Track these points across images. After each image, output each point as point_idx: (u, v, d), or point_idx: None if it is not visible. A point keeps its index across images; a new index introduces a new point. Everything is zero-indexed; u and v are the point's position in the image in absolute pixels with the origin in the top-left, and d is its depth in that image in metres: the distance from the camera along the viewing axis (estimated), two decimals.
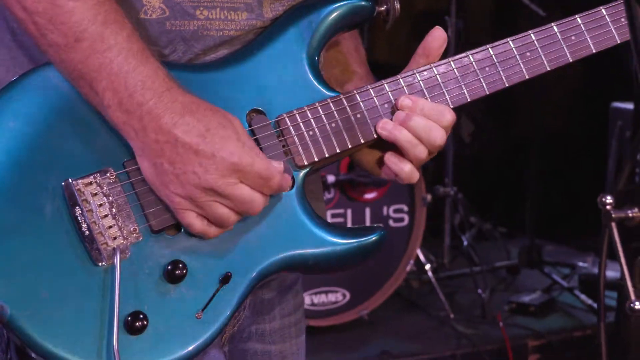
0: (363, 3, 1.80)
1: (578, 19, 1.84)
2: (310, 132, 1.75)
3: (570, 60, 1.84)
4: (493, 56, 1.81)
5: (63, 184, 1.64)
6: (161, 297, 1.66)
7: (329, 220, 4.26)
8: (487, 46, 1.81)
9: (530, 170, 5.69)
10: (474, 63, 1.81)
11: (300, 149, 1.75)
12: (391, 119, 1.77)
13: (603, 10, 1.85)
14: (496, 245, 5.88)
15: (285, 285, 1.95)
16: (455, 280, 5.49)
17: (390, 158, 1.79)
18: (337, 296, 4.75)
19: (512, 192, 6.40)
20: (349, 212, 4.80)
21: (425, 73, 1.80)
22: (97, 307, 1.62)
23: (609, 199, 2.15)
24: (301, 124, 1.75)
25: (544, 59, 1.82)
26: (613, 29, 1.84)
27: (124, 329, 1.63)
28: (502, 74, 1.81)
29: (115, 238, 1.64)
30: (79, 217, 1.64)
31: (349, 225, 4.71)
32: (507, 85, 1.82)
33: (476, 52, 1.81)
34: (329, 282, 4.72)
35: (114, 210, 1.65)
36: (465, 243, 5.61)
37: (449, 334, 4.84)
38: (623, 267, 2.14)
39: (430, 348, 4.71)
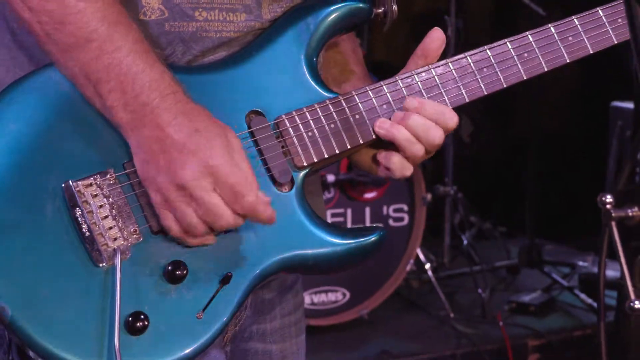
0: (361, 5, 1.81)
1: (575, 20, 1.85)
2: (309, 133, 1.76)
3: (568, 61, 1.84)
4: (491, 57, 1.82)
5: (63, 185, 1.64)
6: (162, 297, 1.66)
7: (329, 220, 4.26)
8: (485, 47, 1.82)
9: (529, 170, 5.69)
10: (471, 64, 1.82)
11: (299, 149, 1.75)
12: (390, 119, 1.78)
13: (600, 11, 1.85)
14: (496, 245, 5.88)
15: (285, 285, 1.96)
16: (455, 279, 5.48)
17: (379, 153, 1.80)
18: (337, 295, 4.76)
19: (512, 192, 6.40)
20: (349, 211, 4.80)
21: (423, 74, 1.81)
22: (98, 308, 1.63)
23: (608, 198, 2.15)
24: (300, 125, 1.76)
25: (541, 59, 1.83)
26: (610, 30, 1.85)
27: (125, 329, 1.63)
28: (500, 74, 1.82)
29: (115, 239, 1.65)
30: (79, 218, 1.64)
31: (349, 225, 4.72)
32: (505, 85, 1.83)
33: (474, 54, 1.82)
34: (329, 281, 4.72)
35: (114, 211, 1.66)
36: (465, 242, 5.61)
37: (449, 334, 4.84)
38: (623, 266, 2.14)
39: (430, 347, 4.71)
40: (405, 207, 4.89)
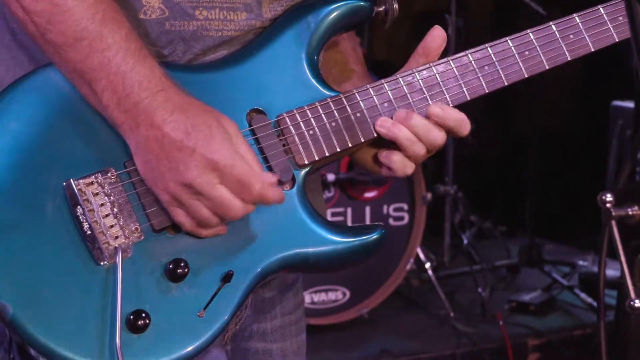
0: (362, 3, 1.81)
1: (576, 18, 1.85)
2: (311, 131, 1.76)
3: (569, 59, 1.84)
4: (492, 55, 1.82)
5: (64, 184, 1.64)
6: (163, 295, 1.66)
7: (329, 219, 4.26)
8: (486, 45, 1.82)
9: (530, 169, 5.69)
10: (473, 62, 1.82)
11: (300, 148, 1.75)
12: (391, 118, 1.78)
13: (601, 9, 1.85)
14: (496, 244, 5.88)
15: (286, 284, 1.96)
16: (455, 279, 5.48)
17: (381, 151, 1.80)
18: (337, 295, 4.76)
19: (513, 191, 6.40)
20: (349, 210, 4.79)
21: (424, 72, 1.81)
22: (99, 306, 1.63)
23: (608, 197, 2.15)
24: (301, 123, 1.76)
25: (542, 57, 1.83)
26: (611, 28, 1.85)
27: (126, 327, 1.63)
28: (501, 72, 1.82)
29: (116, 237, 1.65)
30: (80, 217, 1.64)
31: (349, 224, 4.71)
32: (506, 83, 1.83)
33: (475, 51, 1.82)
34: (329, 280, 4.72)
35: (115, 209, 1.66)
36: (465, 242, 5.61)
37: (449, 333, 4.84)
38: (623, 265, 2.14)
39: (430, 347, 4.70)
40: (406, 206, 4.89)
